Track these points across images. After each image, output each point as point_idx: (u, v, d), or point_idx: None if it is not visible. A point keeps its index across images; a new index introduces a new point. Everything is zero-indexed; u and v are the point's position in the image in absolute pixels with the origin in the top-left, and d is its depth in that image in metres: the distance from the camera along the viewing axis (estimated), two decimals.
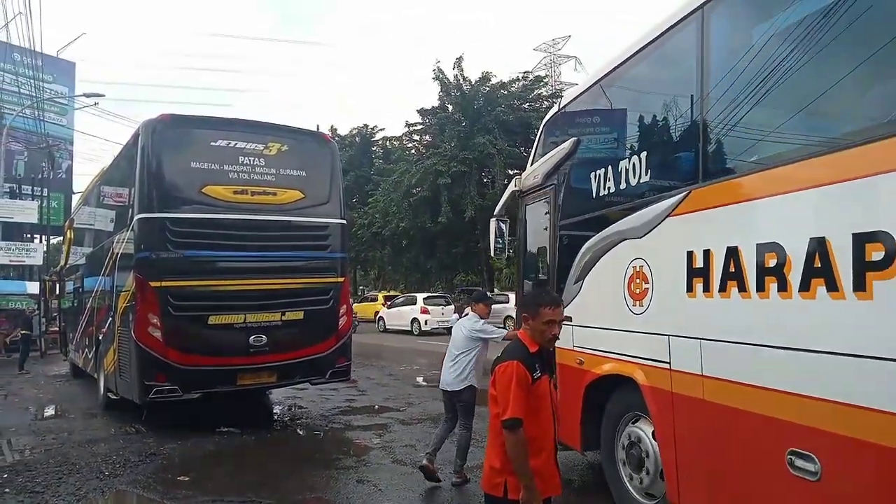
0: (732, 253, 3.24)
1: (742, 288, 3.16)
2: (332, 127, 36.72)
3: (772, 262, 2.99)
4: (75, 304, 13.10)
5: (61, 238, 20.57)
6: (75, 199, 28.42)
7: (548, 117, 6.18)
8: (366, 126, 36.90)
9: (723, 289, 3.29)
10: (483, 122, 26.22)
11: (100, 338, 9.52)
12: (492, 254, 7.12)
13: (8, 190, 27.36)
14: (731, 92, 3.44)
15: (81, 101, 29.40)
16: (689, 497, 3.63)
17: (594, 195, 4.83)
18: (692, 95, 3.79)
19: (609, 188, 4.64)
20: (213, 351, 7.47)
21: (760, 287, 3.04)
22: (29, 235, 30.01)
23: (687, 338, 3.54)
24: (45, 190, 28.06)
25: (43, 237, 29.35)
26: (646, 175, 4.20)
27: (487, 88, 27.35)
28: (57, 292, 16.19)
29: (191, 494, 5.50)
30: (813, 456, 2.74)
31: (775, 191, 3.03)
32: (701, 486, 3.57)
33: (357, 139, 36.23)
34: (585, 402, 4.77)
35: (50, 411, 9.70)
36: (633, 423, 4.34)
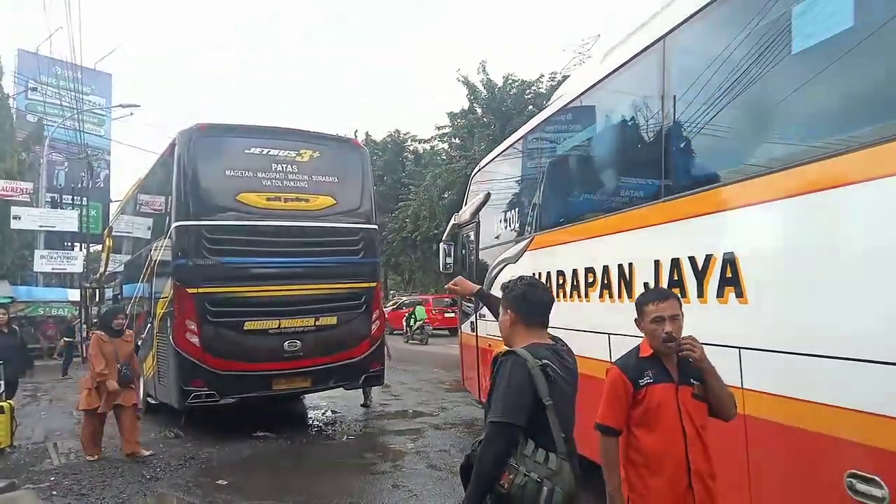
0: (556, 275, 5.38)
1: (574, 296, 5.10)
2: (366, 133, 36.64)
3: (561, 281, 5.26)
4: None
5: (100, 246, 21.09)
6: (113, 207, 29.09)
7: (475, 171, 8.46)
8: (397, 131, 36.80)
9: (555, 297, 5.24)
10: (514, 125, 26.10)
11: (139, 343, 9.70)
12: (441, 269, 9.29)
13: (49, 200, 28.17)
14: (552, 177, 5.92)
15: (118, 111, 30.17)
16: None
17: (496, 232, 7.15)
18: (536, 176, 6.23)
19: (503, 229, 6.97)
20: (249, 356, 7.56)
21: (559, 296, 5.13)
22: (69, 244, 30.79)
23: (556, 330, 5.09)
24: (85, 199, 28.75)
25: (83, 245, 30.09)
26: (517, 222, 6.60)
27: (514, 90, 27.20)
28: (97, 299, 16.62)
29: (230, 498, 5.58)
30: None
31: (562, 240, 5.40)
32: None
33: (389, 145, 36.19)
34: (493, 373, 6.81)
35: None
36: None
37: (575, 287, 5.01)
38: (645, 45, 4.25)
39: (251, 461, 6.86)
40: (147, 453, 6.87)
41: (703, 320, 3.26)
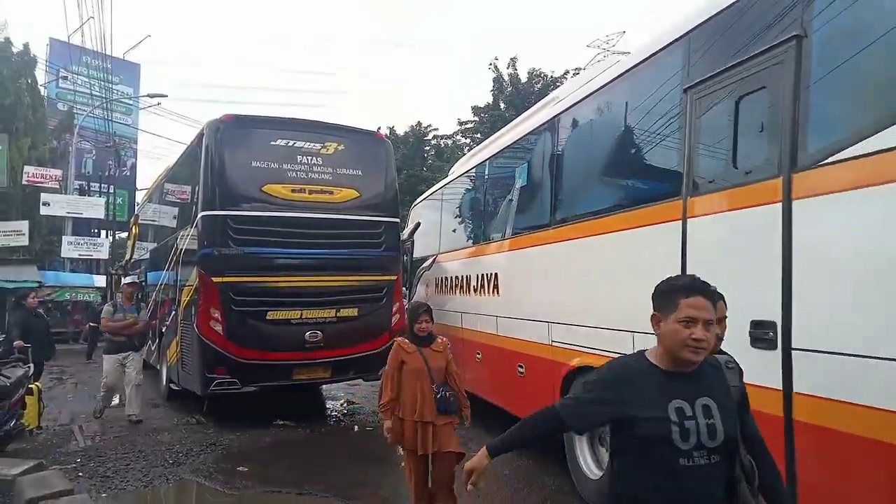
0: (444, 279, 8.99)
1: (450, 291, 8.66)
2: (390, 127, 36.51)
3: (447, 284, 8.86)
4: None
5: (126, 233, 21.41)
6: (139, 195, 29.48)
7: (414, 204, 11.95)
8: (419, 124, 36.56)
9: (443, 291, 8.93)
10: None
11: (163, 330, 9.87)
12: None
13: (77, 187, 28.66)
14: (454, 223, 9.11)
15: (145, 101, 30.55)
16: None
17: (422, 249, 10.40)
18: (439, 216, 9.71)
19: (422, 247, 10.34)
20: (270, 345, 7.63)
21: (452, 291, 8.58)
22: (96, 231, 31.25)
23: (443, 311, 8.35)
24: (112, 187, 29.15)
25: (109, 232, 30.57)
26: (432, 245, 9.76)
27: (539, 86, 27.02)
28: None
29: (250, 485, 5.67)
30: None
31: (447, 259, 9.05)
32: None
33: (410, 138, 36.04)
34: None
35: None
36: None
37: (451, 287, 8.58)
38: (475, 164, 8.42)
39: (271, 449, 6.95)
40: None
41: (485, 303, 7.19)
